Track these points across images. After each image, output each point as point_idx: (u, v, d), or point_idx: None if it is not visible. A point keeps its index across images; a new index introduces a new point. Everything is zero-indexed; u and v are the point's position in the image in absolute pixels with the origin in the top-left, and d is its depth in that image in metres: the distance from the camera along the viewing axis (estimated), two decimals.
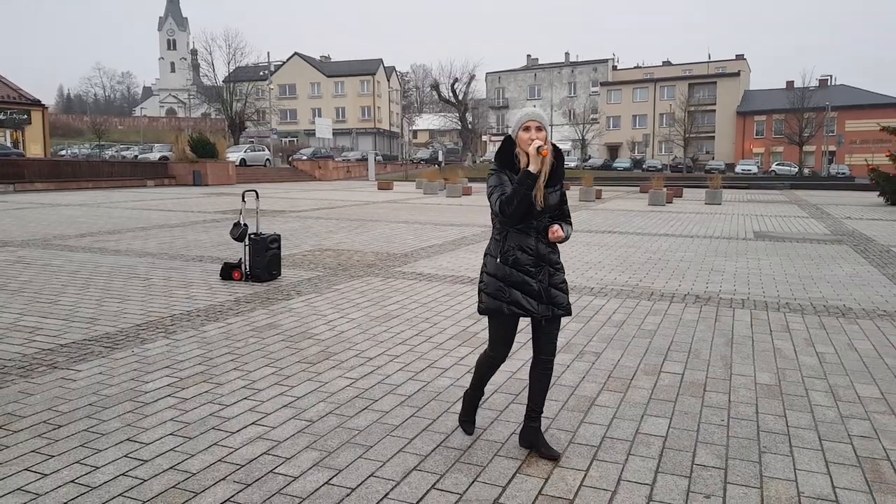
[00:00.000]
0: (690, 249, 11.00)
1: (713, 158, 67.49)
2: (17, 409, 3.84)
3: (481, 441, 3.49)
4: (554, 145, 3.25)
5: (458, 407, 3.94)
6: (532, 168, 3.10)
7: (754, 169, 57.51)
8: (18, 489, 2.93)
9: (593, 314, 6.35)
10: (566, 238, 3.29)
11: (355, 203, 21.80)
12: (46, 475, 3.07)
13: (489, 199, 3.23)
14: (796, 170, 57.59)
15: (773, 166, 60.94)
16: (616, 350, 5.17)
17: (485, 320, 4.78)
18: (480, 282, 3.35)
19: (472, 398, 3.66)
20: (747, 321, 6.15)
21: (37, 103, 44.69)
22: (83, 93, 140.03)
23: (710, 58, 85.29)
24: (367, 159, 52.13)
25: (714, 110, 71.71)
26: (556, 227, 3.26)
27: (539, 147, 3.09)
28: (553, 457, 3.29)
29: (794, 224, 15.85)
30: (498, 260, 3.26)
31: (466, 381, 4.41)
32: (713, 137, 72.09)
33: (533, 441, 3.39)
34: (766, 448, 3.44)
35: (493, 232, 3.36)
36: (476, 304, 3.49)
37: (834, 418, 3.85)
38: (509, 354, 3.49)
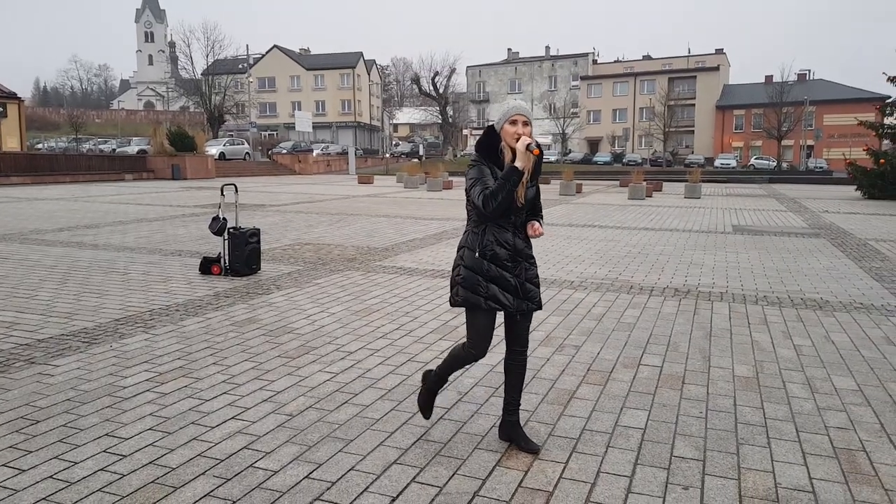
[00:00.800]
0: (670, 243, 11.10)
1: (692, 152, 68.07)
2: None
3: (461, 434, 3.51)
4: (535, 142, 3.18)
5: (440, 399, 3.96)
6: (520, 164, 3.08)
7: (733, 163, 58.11)
8: None
9: (573, 307, 6.39)
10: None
11: (336, 197, 21.70)
12: (24, 471, 3.03)
13: (469, 191, 3.18)
14: (775, 164, 58.31)
15: (752, 160, 61.67)
16: (595, 343, 5.21)
17: (464, 315, 4.78)
18: (457, 275, 3.29)
19: (436, 385, 3.57)
20: (726, 314, 6.22)
21: (12, 96, 43.88)
22: (60, 86, 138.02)
23: (689, 52, 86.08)
24: (347, 153, 51.91)
25: (693, 104, 72.28)
26: (536, 224, 3.30)
27: (529, 145, 3.07)
28: (533, 450, 3.31)
29: (772, 218, 16.04)
30: (476, 254, 3.22)
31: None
32: (693, 132, 72.70)
33: (512, 435, 3.40)
34: (743, 440, 3.49)
35: (469, 224, 3.32)
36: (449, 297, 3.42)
37: (811, 410, 3.92)
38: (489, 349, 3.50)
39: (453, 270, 3.35)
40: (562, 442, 3.43)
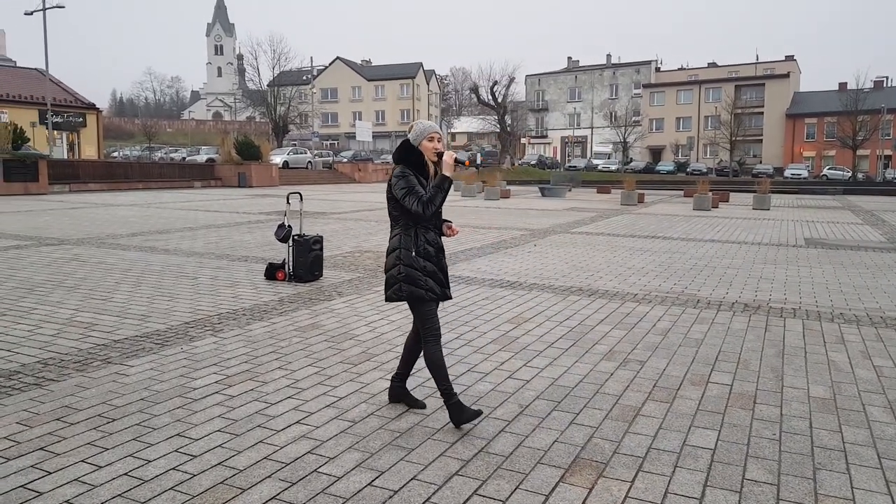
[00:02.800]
0: (738, 256, 10.76)
1: (761, 162, 65.96)
2: (73, 402, 3.96)
3: (523, 448, 3.47)
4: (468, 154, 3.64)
5: (500, 412, 3.94)
6: (449, 173, 3.62)
7: (804, 173, 56.06)
8: (76, 480, 3.02)
9: (637, 321, 6.25)
10: None
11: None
12: (101, 467, 3.15)
13: (403, 199, 3.61)
14: (849, 175, 55.96)
15: (825, 171, 59.29)
16: (661, 359, 5.08)
17: (525, 326, 4.73)
18: (398, 273, 3.68)
19: (452, 395, 3.70)
20: (799, 331, 5.98)
21: (91, 107, 46.15)
22: (135, 97, 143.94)
23: (757, 59, 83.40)
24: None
25: (762, 112, 70.03)
26: (454, 225, 3.89)
27: (457, 158, 3.69)
28: (421, 406, 3.95)
29: (847, 231, 15.38)
30: (413, 253, 3.68)
31: (509, 385, 4.40)
32: (761, 140, 70.44)
33: (402, 397, 4.02)
34: (821, 464, 3.34)
35: (396, 228, 3.76)
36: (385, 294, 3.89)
37: (893, 435, 3.72)
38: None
39: (391, 269, 3.74)
40: (627, 460, 3.35)
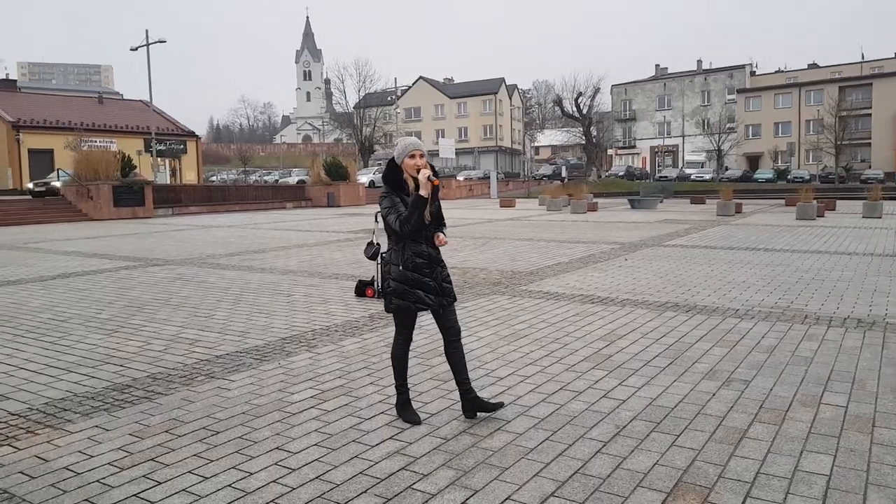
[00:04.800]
0: (848, 268, 10.10)
1: (870, 167, 61.92)
2: (180, 415, 4.15)
3: (621, 470, 3.35)
4: (431, 166, 3.87)
5: (596, 432, 3.83)
6: (423, 193, 3.73)
7: None
8: (184, 490, 3.16)
9: (739, 338, 5.96)
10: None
11: (478, 221, 21.95)
12: (207, 478, 3.28)
13: (385, 219, 3.83)
14: None
15: None
16: (768, 378, 4.81)
17: (619, 343, 4.59)
18: (387, 286, 3.91)
19: (404, 397, 4.06)
20: None
21: (191, 134, 48.97)
22: (230, 123, 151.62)
23: (863, 58, 78.78)
24: (489, 177, 52.49)
25: (869, 114, 65.80)
26: (441, 236, 3.98)
27: (429, 176, 3.74)
28: (498, 406, 4.04)
29: None
30: (401, 267, 3.86)
31: (603, 406, 4.28)
32: (869, 144, 66.17)
33: (477, 405, 4.02)
34: None
35: (389, 243, 3.96)
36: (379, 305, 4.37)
37: None
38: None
39: (383, 283, 4.02)
40: (734, 485, 3.17)
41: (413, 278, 3.85)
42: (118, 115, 46.02)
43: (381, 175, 4.03)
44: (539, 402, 4.35)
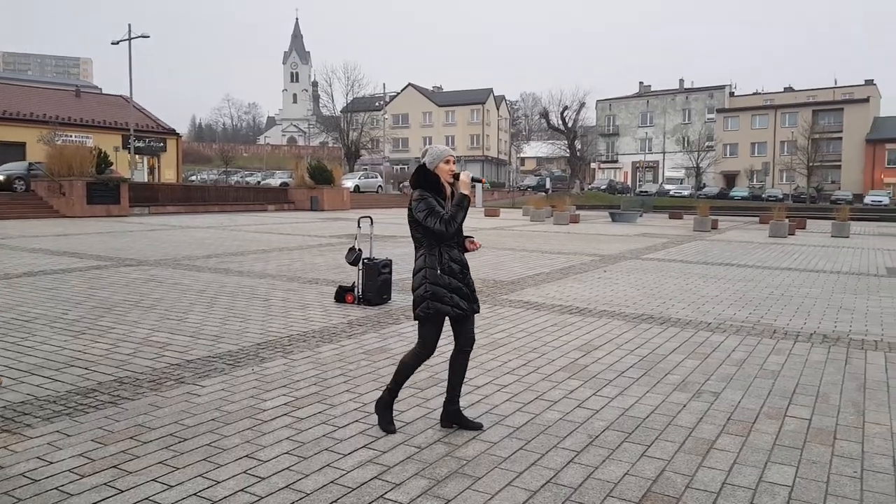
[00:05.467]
0: (816, 285, 10.29)
1: (839, 188, 63.17)
2: (147, 421, 4.10)
3: (592, 480, 3.38)
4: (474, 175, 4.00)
5: (569, 443, 3.86)
6: (467, 192, 3.83)
7: (886, 200, 53.33)
8: (146, 498, 3.10)
9: (711, 351, 6.04)
10: None
11: (463, 229, 21.94)
12: (172, 486, 3.23)
13: (425, 220, 3.77)
14: None
15: None
16: (736, 390, 4.88)
17: (595, 354, 4.66)
18: (426, 291, 3.82)
19: (391, 399, 4.05)
20: (881, 365, 5.65)
21: (172, 132, 48.46)
22: (213, 122, 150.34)
23: (836, 83, 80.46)
24: (474, 186, 52.64)
25: (840, 138, 67.28)
26: (476, 240, 4.07)
27: (473, 177, 3.92)
28: (477, 427, 3.99)
29: None
30: (438, 271, 3.83)
31: (577, 415, 4.31)
32: (839, 166, 67.57)
33: (456, 420, 4.03)
34: None
35: (422, 249, 3.90)
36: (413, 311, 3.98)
37: None
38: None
39: (417, 288, 3.87)
40: (701, 495, 3.21)
41: (451, 283, 3.85)
42: (96, 109, 45.30)
43: (410, 180, 3.98)
44: (514, 411, 4.37)
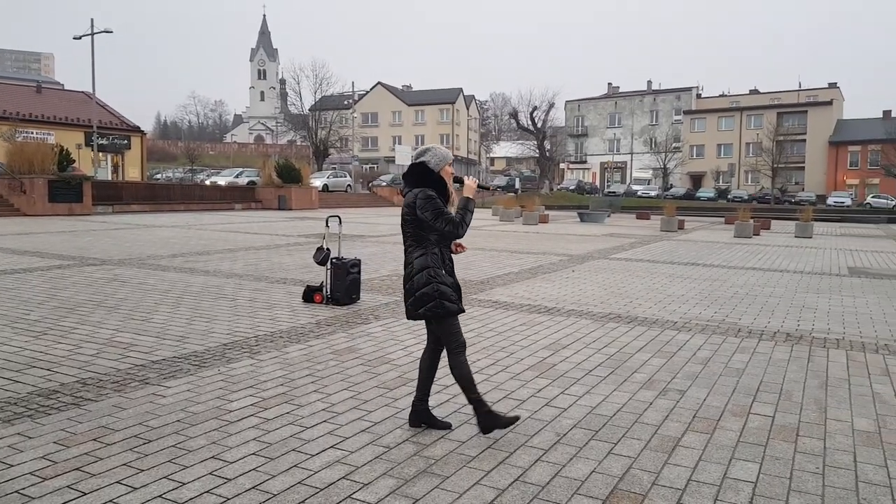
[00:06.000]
0: (780, 285, 10.51)
1: (803, 189, 64.65)
2: (110, 423, 4.02)
3: (560, 478, 3.40)
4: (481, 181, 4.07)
5: (537, 441, 3.88)
6: (471, 195, 3.92)
7: (848, 201, 54.74)
8: (110, 501, 3.05)
9: (677, 350, 6.13)
10: None
11: None
12: (136, 489, 3.18)
13: (432, 221, 3.78)
14: (894, 203, 54.44)
15: (869, 199, 57.79)
16: (702, 388, 4.96)
17: (563, 353, 4.73)
18: (434, 290, 3.81)
19: (483, 405, 3.92)
20: (843, 363, 5.79)
21: (136, 130, 47.60)
22: (179, 120, 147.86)
23: (800, 86, 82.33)
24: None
25: (804, 140, 68.87)
26: (462, 243, 4.18)
27: (480, 184, 4.07)
28: (446, 426, 4.00)
29: (891, 260, 14.92)
30: (443, 271, 3.89)
31: (546, 414, 4.34)
32: (803, 168, 69.15)
33: (425, 420, 4.03)
34: (865, 500, 3.21)
35: (421, 248, 3.89)
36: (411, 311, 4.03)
37: None
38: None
39: (423, 287, 3.83)
40: (666, 492, 3.26)
41: (452, 283, 3.92)
42: (58, 105, 44.26)
43: (406, 178, 3.98)
44: None
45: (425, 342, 4.14)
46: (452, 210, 3.93)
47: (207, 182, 45.04)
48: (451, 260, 4.02)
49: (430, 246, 3.89)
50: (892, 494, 3.28)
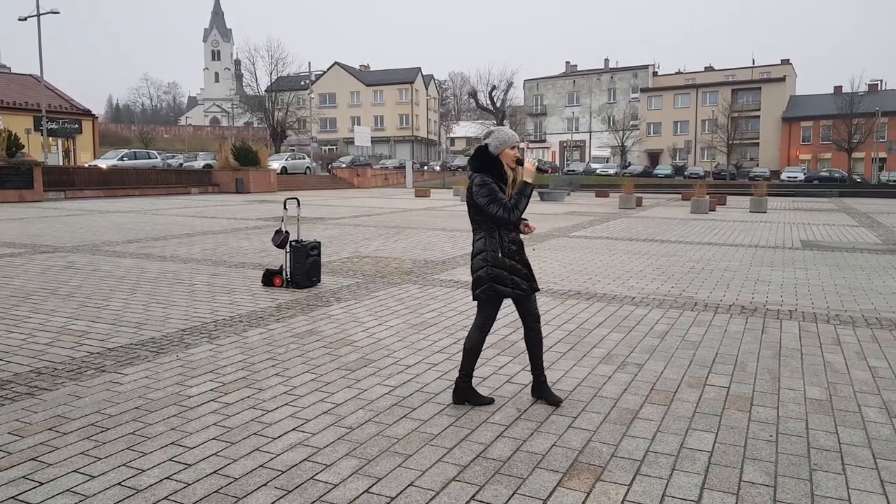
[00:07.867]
0: (735, 259, 10.76)
1: (758, 165, 66.10)
2: (66, 412, 3.93)
3: (521, 453, 3.45)
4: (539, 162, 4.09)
5: (498, 417, 3.92)
6: (530, 180, 3.91)
7: (801, 176, 56.23)
8: (68, 490, 3.00)
9: (635, 324, 6.25)
10: None
11: (393, 210, 21.91)
12: (94, 477, 3.13)
13: (485, 207, 3.83)
14: (842, 176, 56.09)
15: (821, 173, 59.46)
16: (659, 361, 5.07)
17: (522, 330, 4.80)
18: (487, 274, 3.90)
19: (469, 384, 4.12)
20: (795, 333, 5.98)
21: (87, 113, 46.20)
22: (131, 103, 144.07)
23: (753, 63, 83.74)
24: (404, 167, 52.50)
25: (758, 116, 70.27)
26: (531, 223, 4.18)
27: (537, 165, 3.99)
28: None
29: (843, 233, 15.40)
30: (500, 254, 3.91)
31: (506, 390, 4.39)
32: (757, 144, 70.65)
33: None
34: (817, 465, 3.33)
35: (480, 232, 3.97)
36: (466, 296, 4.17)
37: (889, 435, 3.71)
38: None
39: (478, 271, 3.94)
40: (625, 463, 3.33)
41: (510, 265, 3.93)
42: (4, 89, 42.61)
43: (471, 162, 3.98)
44: (445, 388, 4.40)
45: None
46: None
47: (182, 165, 44.01)
48: (517, 242, 4.01)
49: (491, 229, 3.93)
50: (843, 459, 3.40)
